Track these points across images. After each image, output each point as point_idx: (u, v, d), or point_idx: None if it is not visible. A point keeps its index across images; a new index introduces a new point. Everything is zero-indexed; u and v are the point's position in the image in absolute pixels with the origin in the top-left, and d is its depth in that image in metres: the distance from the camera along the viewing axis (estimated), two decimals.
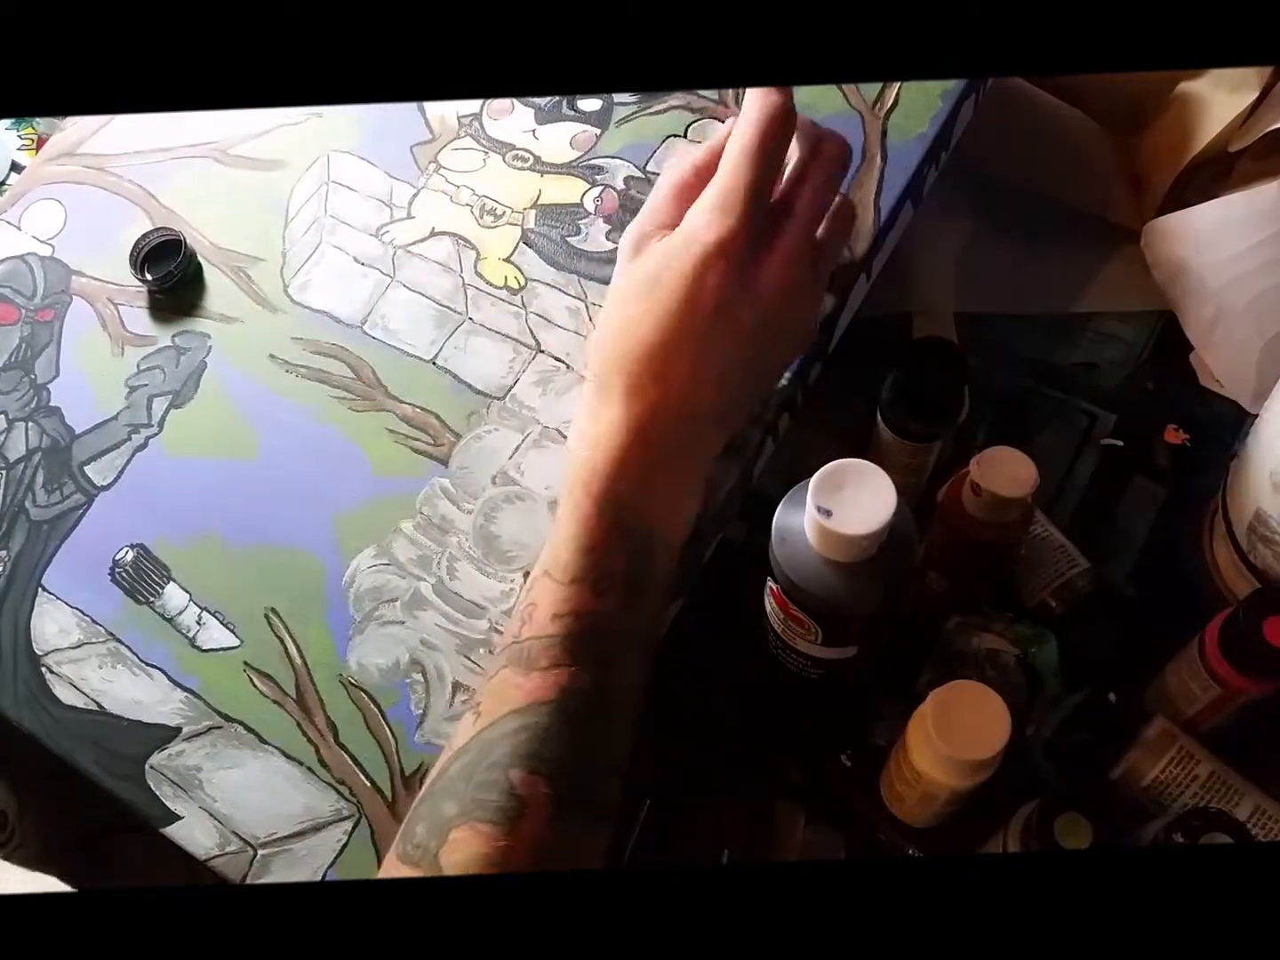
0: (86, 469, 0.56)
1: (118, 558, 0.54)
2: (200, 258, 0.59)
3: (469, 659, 0.50)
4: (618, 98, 0.60)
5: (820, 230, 0.48)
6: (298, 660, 0.52)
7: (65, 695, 0.52)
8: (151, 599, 0.53)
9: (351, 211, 0.59)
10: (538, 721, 0.42)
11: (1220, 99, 0.65)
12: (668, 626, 0.52)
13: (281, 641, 0.52)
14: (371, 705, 0.50)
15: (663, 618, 0.49)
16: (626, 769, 0.46)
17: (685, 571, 0.50)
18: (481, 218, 0.58)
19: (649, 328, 0.45)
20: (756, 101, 0.45)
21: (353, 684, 0.51)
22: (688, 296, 0.44)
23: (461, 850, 0.41)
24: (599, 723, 0.44)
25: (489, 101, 0.61)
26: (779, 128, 0.45)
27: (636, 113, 0.60)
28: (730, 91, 0.59)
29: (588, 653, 0.44)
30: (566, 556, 0.45)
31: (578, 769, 0.43)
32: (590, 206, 0.58)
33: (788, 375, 0.53)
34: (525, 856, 0.41)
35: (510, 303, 0.56)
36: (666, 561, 0.47)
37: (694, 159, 0.48)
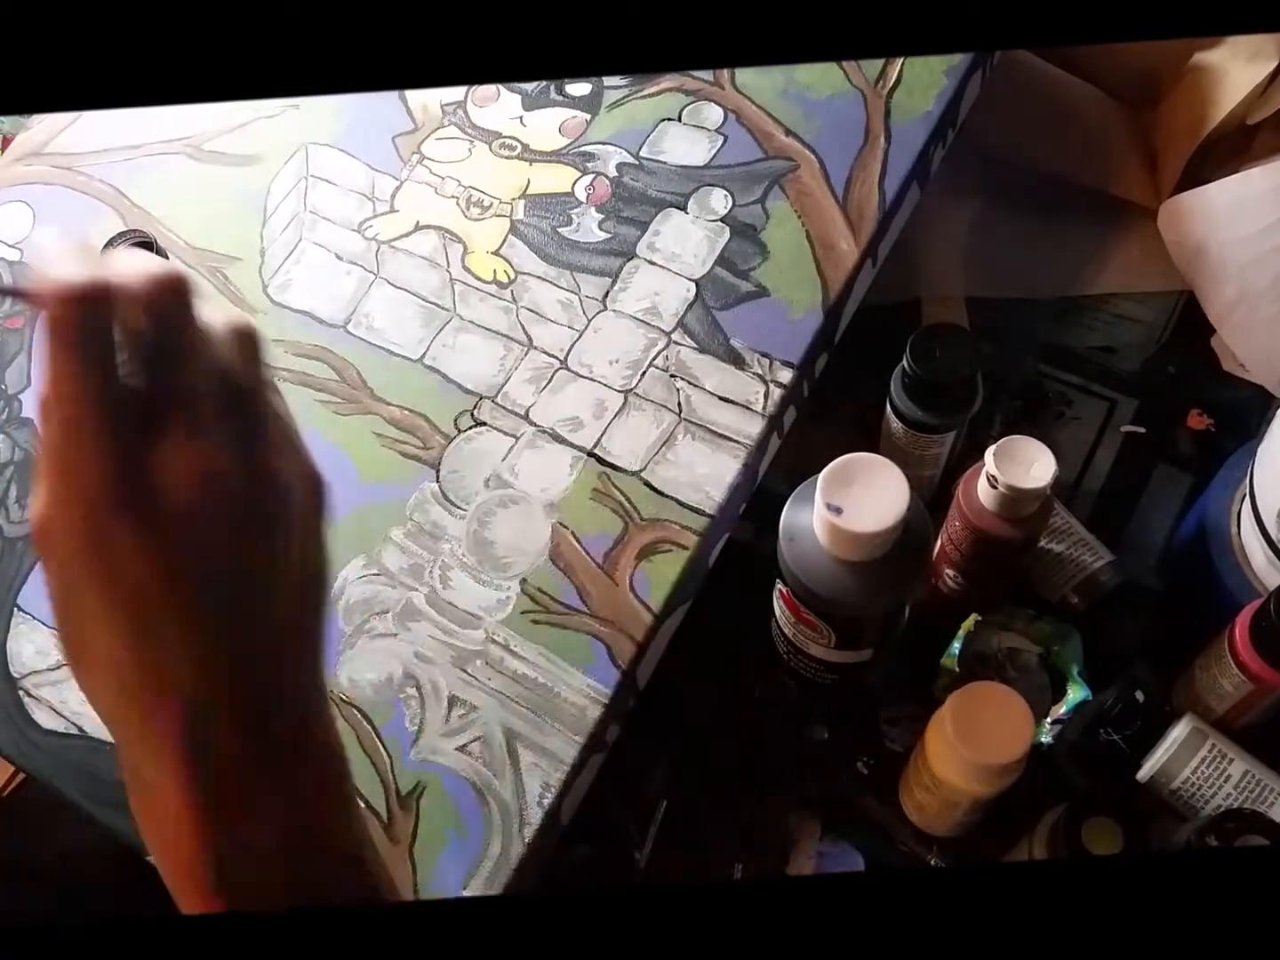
0: None
1: None
2: (174, 258, 0.58)
3: (465, 672, 0.49)
4: (608, 80, 0.59)
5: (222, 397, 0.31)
6: None
7: (45, 720, 0.51)
8: None
9: (332, 206, 0.58)
10: None
11: (1237, 69, 0.63)
12: None
13: None
14: (364, 722, 0.49)
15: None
16: None
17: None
18: (468, 210, 0.57)
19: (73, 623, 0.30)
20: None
21: (344, 700, 0.49)
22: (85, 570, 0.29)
23: None
24: None
25: (473, 88, 0.59)
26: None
27: (628, 96, 0.58)
28: (725, 72, 0.58)
29: None
30: None
31: None
32: (581, 195, 0.56)
33: (790, 370, 0.51)
34: None
35: (500, 297, 0.55)
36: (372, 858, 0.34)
37: None
